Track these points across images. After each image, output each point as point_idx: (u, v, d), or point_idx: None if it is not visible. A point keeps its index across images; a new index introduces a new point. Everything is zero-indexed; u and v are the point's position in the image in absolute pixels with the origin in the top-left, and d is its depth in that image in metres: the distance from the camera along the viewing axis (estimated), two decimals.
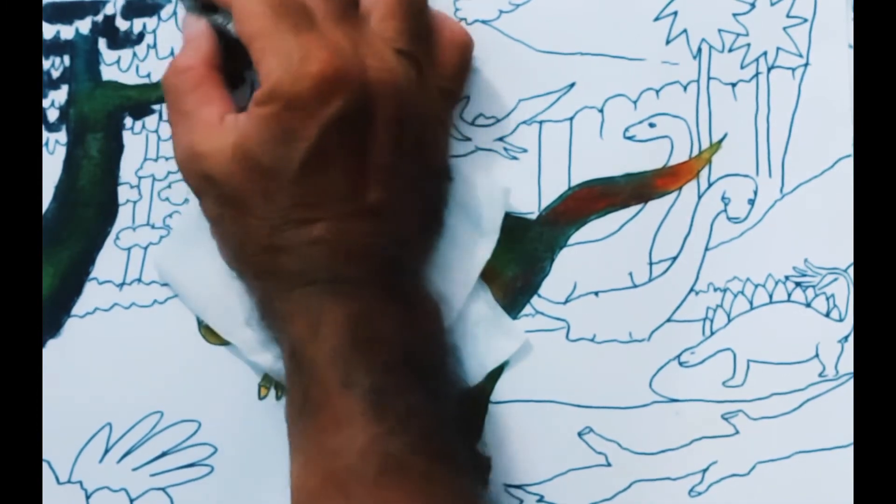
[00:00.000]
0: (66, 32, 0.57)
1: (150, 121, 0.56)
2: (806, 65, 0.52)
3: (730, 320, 0.51)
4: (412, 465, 0.44)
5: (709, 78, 0.53)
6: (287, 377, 0.47)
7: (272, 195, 0.46)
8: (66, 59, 0.57)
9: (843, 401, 0.49)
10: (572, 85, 0.54)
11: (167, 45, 0.56)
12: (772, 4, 0.53)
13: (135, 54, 0.57)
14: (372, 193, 0.47)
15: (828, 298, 0.50)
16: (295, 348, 0.46)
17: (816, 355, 0.50)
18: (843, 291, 0.50)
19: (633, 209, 0.52)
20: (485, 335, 0.51)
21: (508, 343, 0.51)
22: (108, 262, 0.54)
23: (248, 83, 0.53)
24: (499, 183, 0.52)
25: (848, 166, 0.51)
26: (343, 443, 0.44)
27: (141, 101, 0.56)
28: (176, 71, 0.50)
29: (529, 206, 0.53)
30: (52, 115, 0.56)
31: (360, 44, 0.47)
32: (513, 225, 0.53)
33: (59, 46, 0.57)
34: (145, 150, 0.56)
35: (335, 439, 0.45)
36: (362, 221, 0.46)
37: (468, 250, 0.52)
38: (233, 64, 0.52)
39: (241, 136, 0.46)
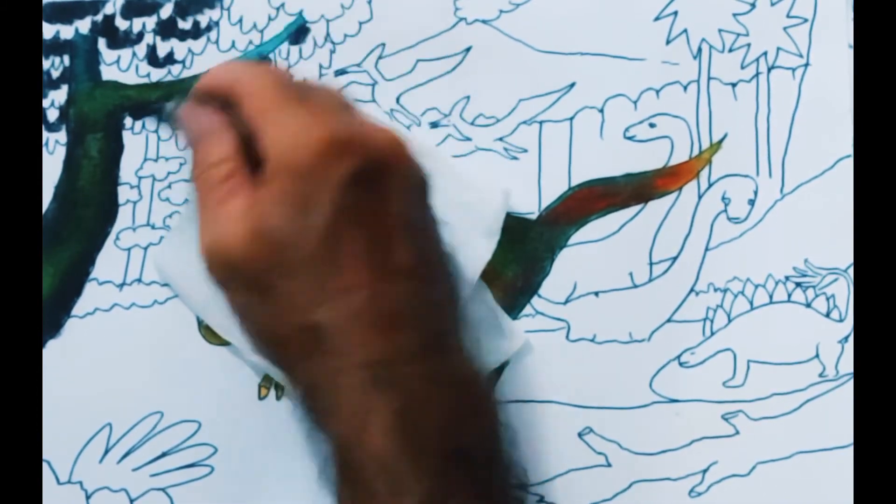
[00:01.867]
0: (66, 32, 0.57)
1: (151, 121, 0.56)
2: (806, 65, 0.52)
3: (730, 320, 0.51)
4: None
5: (709, 78, 0.53)
6: (335, 478, 0.45)
7: (296, 270, 0.44)
8: (66, 58, 0.57)
9: (843, 401, 0.49)
10: (572, 85, 0.54)
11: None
12: (772, 4, 0.53)
13: (134, 54, 0.57)
14: (400, 253, 0.44)
15: (828, 299, 0.50)
16: (342, 453, 0.44)
17: (816, 355, 0.50)
18: (843, 292, 0.50)
19: (634, 209, 0.52)
20: (485, 336, 0.51)
21: (509, 343, 0.51)
22: (108, 262, 0.54)
23: None
24: (499, 183, 0.52)
25: (848, 166, 0.51)
26: None
27: (141, 101, 0.56)
28: (207, 165, 0.47)
29: (529, 206, 0.53)
30: (52, 115, 0.56)
31: (360, 123, 0.46)
32: (513, 225, 0.53)
33: (59, 46, 0.57)
34: (145, 150, 0.56)
35: None
36: (398, 284, 0.44)
37: (468, 251, 0.51)
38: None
39: (257, 216, 0.44)
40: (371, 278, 0.44)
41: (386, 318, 0.44)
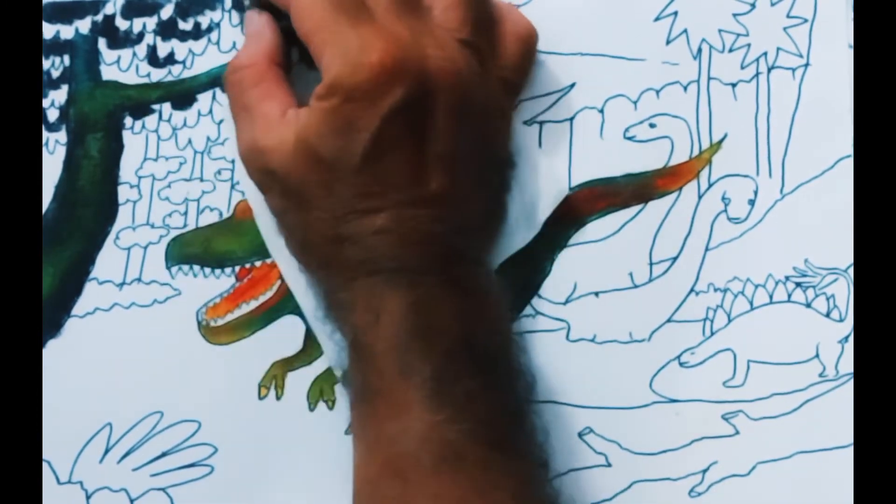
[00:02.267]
0: (66, 32, 0.57)
1: (150, 120, 0.56)
2: (806, 65, 0.52)
3: (730, 320, 0.51)
4: (470, 454, 0.45)
5: (709, 78, 0.53)
6: (349, 367, 0.48)
7: (334, 187, 0.46)
8: (66, 58, 0.57)
9: (843, 401, 0.49)
10: (572, 85, 0.54)
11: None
12: (772, 5, 0.53)
13: (134, 54, 0.57)
14: (433, 182, 0.47)
15: (828, 299, 0.50)
16: (356, 337, 0.47)
17: (817, 355, 0.50)
18: (843, 292, 0.50)
19: (634, 209, 0.52)
20: None
21: None
22: (108, 262, 0.54)
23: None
24: (562, 180, 0.52)
25: (848, 166, 0.51)
26: (401, 430, 0.45)
27: (141, 100, 0.56)
28: (237, 67, 0.50)
29: None
30: (52, 115, 0.56)
31: (422, 34, 0.47)
32: None
33: (59, 46, 0.57)
34: (145, 149, 0.56)
35: (393, 427, 0.45)
36: (424, 209, 0.46)
37: (507, 232, 0.51)
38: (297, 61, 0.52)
39: (303, 129, 0.46)
40: (400, 201, 0.46)
41: (407, 237, 0.46)
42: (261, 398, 0.53)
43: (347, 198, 0.46)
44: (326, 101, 0.46)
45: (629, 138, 0.53)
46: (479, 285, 0.48)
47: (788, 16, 0.53)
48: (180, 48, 0.57)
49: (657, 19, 0.54)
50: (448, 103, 0.46)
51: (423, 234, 0.47)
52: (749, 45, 0.53)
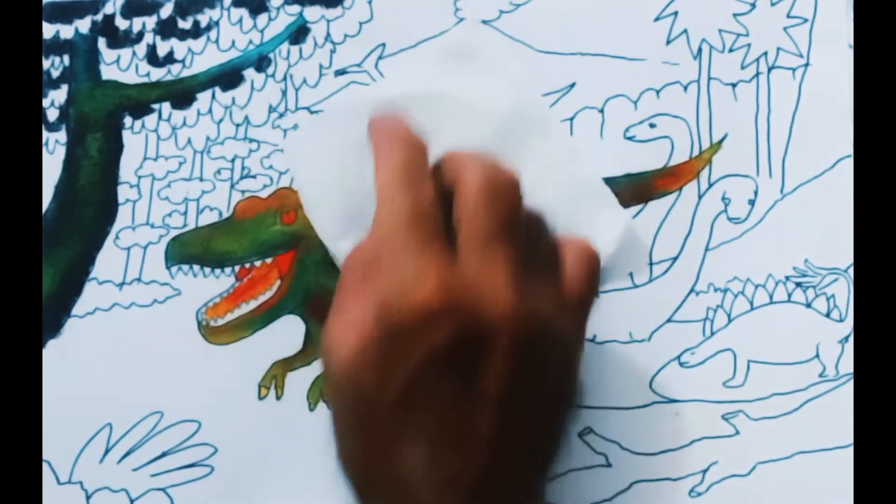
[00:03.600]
0: (66, 32, 0.57)
1: (150, 120, 0.56)
2: (806, 65, 0.52)
3: (730, 320, 0.51)
4: None
5: (709, 78, 0.53)
6: None
7: (372, 418, 0.43)
8: (66, 58, 0.57)
9: (843, 401, 0.49)
10: (572, 85, 0.54)
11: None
12: (772, 5, 0.53)
13: (134, 54, 0.57)
14: (484, 425, 0.42)
15: (828, 299, 0.50)
16: None
17: (817, 355, 0.50)
18: (844, 292, 0.50)
19: (634, 209, 0.52)
20: None
21: None
22: (108, 262, 0.54)
23: None
24: (626, 214, 0.51)
25: (848, 166, 0.51)
26: None
27: (141, 100, 0.56)
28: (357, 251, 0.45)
29: None
30: (52, 114, 0.56)
31: (482, 272, 0.42)
32: None
33: (58, 46, 0.57)
34: (145, 149, 0.56)
35: None
36: (472, 454, 0.42)
37: None
38: None
39: (354, 353, 0.43)
40: (433, 442, 0.42)
41: (441, 481, 0.42)
42: (261, 398, 0.53)
43: (382, 432, 0.43)
44: (374, 330, 0.42)
45: (629, 138, 0.53)
46: None
47: (788, 16, 0.53)
48: (180, 47, 0.57)
49: (657, 19, 0.54)
50: (503, 344, 0.42)
51: (469, 478, 0.42)
52: (749, 45, 0.53)
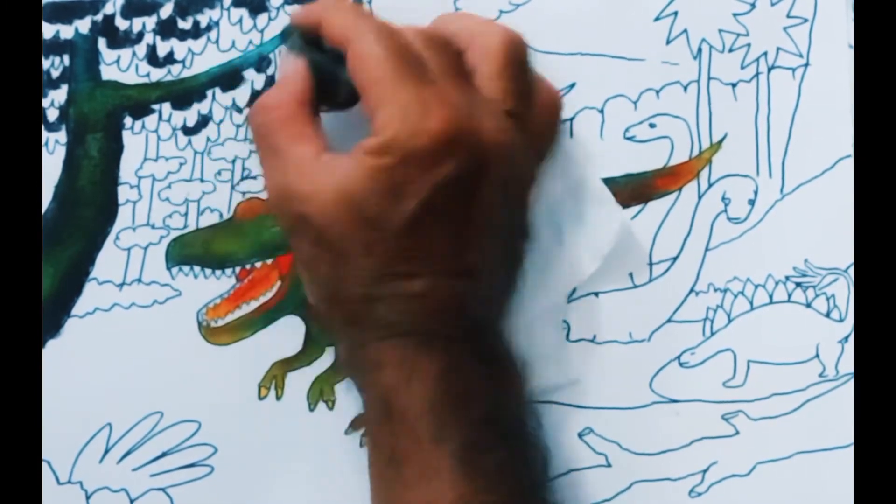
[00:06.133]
0: (66, 32, 0.57)
1: (150, 121, 0.56)
2: (806, 65, 0.52)
3: (730, 321, 0.51)
4: None
5: (709, 78, 0.53)
6: (373, 426, 0.47)
7: (374, 247, 0.45)
8: (66, 58, 0.57)
9: (843, 401, 0.49)
10: (572, 85, 0.54)
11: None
12: (772, 4, 0.53)
13: (134, 54, 0.57)
14: (470, 254, 0.46)
15: (828, 299, 0.50)
16: (385, 397, 0.45)
17: (817, 355, 0.50)
18: (843, 292, 0.50)
19: (634, 209, 0.52)
20: (544, 362, 0.50)
21: (560, 376, 0.51)
22: (108, 262, 0.54)
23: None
24: (622, 212, 0.52)
25: (848, 166, 0.51)
26: (431, 498, 0.44)
27: (141, 100, 0.56)
28: (263, 108, 0.49)
29: None
30: (52, 115, 0.56)
31: (476, 103, 0.46)
32: None
33: (58, 46, 0.57)
34: (145, 150, 0.56)
35: (423, 494, 0.44)
36: (459, 280, 0.46)
37: (566, 262, 0.51)
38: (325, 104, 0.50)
39: (348, 182, 0.45)
40: (438, 270, 0.45)
41: (441, 305, 0.45)
42: (261, 398, 0.53)
43: (386, 259, 0.45)
44: (379, 158, 0.45)
45: (629, 138, 0.53)
46: (502, 356, 0.48)
47: (788, 16, 0.53)
48: (180, 47, 0.57)
49: (657, 19, 0.54)
50: (496, 177, 0.46)
51: (456, 304, 0.46)
52: (749, 45, 0.53)
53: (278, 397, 0.52)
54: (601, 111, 0.53)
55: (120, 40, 0.57)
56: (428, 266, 0.45)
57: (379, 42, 0.46)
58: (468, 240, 0.46)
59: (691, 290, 0.51)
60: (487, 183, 0.45)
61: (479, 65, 0.47)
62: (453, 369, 0.45)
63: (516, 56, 0.48)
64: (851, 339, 0.50)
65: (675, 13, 0.53)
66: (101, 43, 0.57)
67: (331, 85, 0.49)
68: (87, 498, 0.52)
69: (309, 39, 0.50)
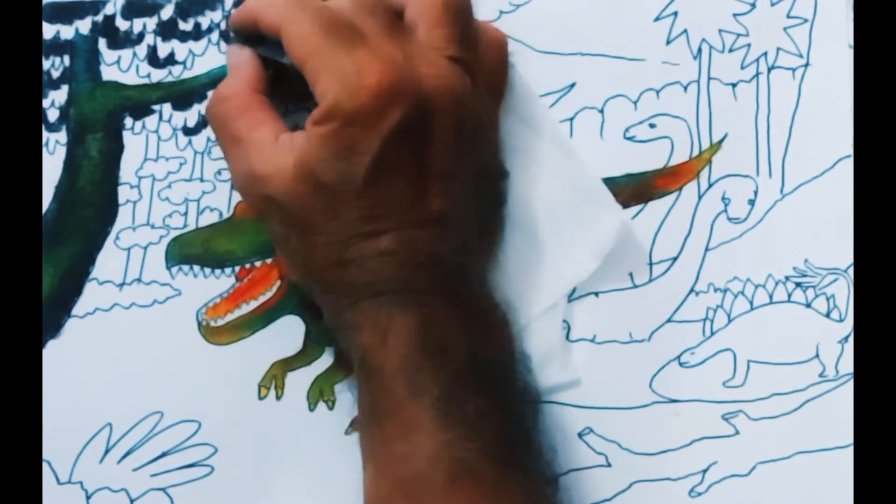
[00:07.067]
0: (66, 32, 0.57)
1: (150, 121, 0.56)
2: (806, 65, 0.52)
3: (730, 320, 0.51)
4: (481, 472, 0.44)
5: (709, 78, 0.53)
6: (357, 387, 0.48)
7: (337, 211, 0.46)
8: (66, 59, 0.57)
9: (843, 401, 0.49)
10: (572, 85, 0.54)
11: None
12: (772, 5, 0.53)
13: (135, 54, 0.57)
14: (435, 201, 0.47)
15: (828, 299, 0.50)
16: (364, 357, 0.47)
17: (817, 355, 0.50)
18: (843, 292, 0.50)
19: (634, 209, 0.52)
20: (544, 362, 0.50)
21: (561, 376, 0.51)
22: (108, 262, 0.54)
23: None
24: (623, 212, 0.52)
25: (848, 166, 0.51)
26: (412, 450, 0.45)
27: (141, 101, 0.56)
28: (219, 99, 0.50)
29: None
30: (52, 115, 0.56)
31: (412, 54, 0.47)
32: None
33: (59, 46, 0.57)
34: (145, 150, 0.56)
35: (404, 447, 0.45)
36: (427, 230, 0.47)
37: (566, 260, 0.51)
38: (281, 93, 0.52)
39: (302, 155, 0.47)
40: (403, 223, 0.46)
41: (411, 258, 0.46)
42: (261, 398, 0.53)
43: (350, 221, 0.46)
44: (325, 125, 0.46)
45: (629, 138, 0.53)
46: (482, 304, 0.48)
47: (788, 16, 0.53)
48: (180, 49, 0.57)
49: (657, 19, 0.54)
50: (445, 121, 0.47)
51: (427, 254, 0.47)
52: (749, 45, 0.53)
53: (278, 397, 0.52)
54: (601, 111, 0.53)
55: (120, 41, 0.57)
56: (393, 221, 0.46)
57: (307, 19, 0.47)
58: (429, 187, 0.47)
59: (691, 290, 0.51)
60: (437, 127, 0.46)
61: (417, 19, 0.49)
62: (429, 322, 0.46)
63: (454, 4, 0.49)
64: (851, 339, 0.50)
65: (675, 13, 0.53)
66: (102, 43, 0.57)
67: (281, 74, 0.50)
68: (88, 498, 0.52)
69: (251, 37, 0.51)
